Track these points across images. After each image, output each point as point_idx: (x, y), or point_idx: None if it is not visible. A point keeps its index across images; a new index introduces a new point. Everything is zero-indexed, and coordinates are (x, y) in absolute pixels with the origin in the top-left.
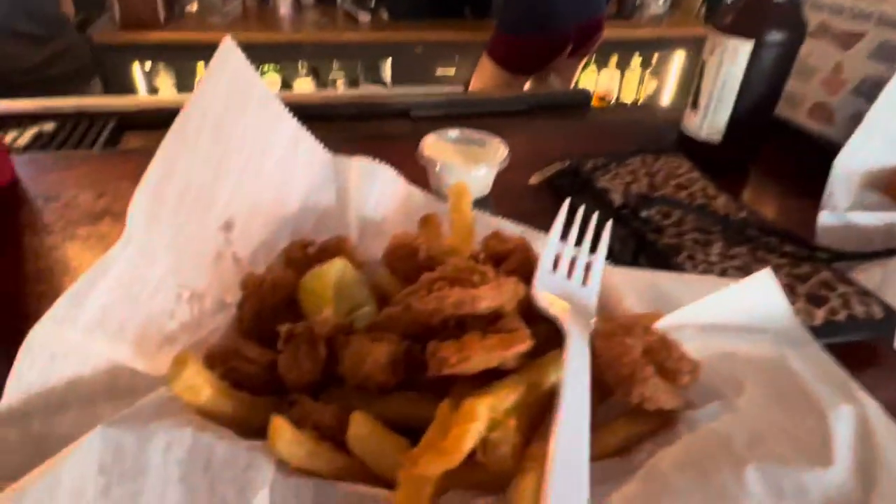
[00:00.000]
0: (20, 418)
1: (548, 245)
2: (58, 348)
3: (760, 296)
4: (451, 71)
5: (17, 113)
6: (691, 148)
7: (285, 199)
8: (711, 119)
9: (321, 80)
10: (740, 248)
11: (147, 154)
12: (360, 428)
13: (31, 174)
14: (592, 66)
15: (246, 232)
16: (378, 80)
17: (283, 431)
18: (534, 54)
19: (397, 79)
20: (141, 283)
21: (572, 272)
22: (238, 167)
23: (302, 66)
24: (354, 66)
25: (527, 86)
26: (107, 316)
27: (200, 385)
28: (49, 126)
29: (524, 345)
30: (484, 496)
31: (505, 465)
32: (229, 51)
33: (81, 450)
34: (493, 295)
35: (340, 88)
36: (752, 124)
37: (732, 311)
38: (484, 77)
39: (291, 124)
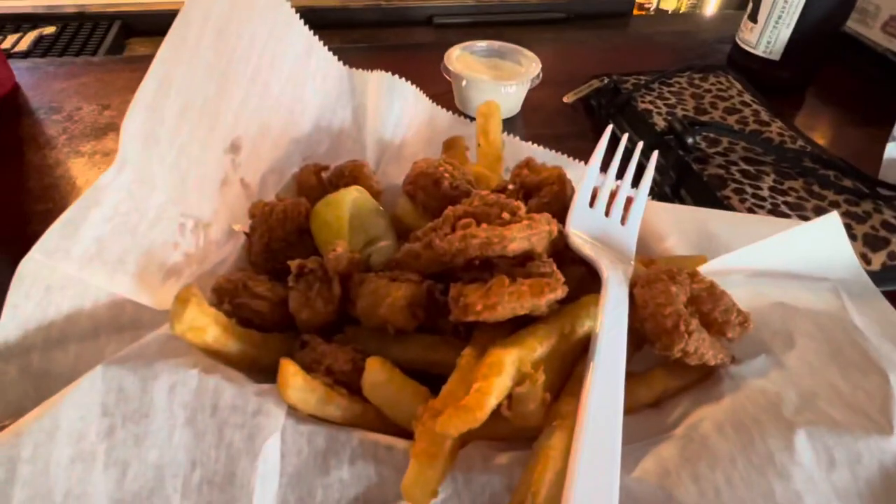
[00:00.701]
0: (19, 353)
1: (586, 177)
2: (53, 281)
3: (821, 240)
4: None
5: (14, 14)
6: (744, 65)
7: (297, 119)
8: (772, 32)
9: None
10: (794, 181)
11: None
12: (377, 374)
13: (32, 82)
14: None
15: (254, 154)
16: None
17: (293, 378)
18: None
19: None
20: (139, 212)
21: (610, 209)
22: (244, 81)
23: None
24: None
25: None
26: (104, 248)
27: (205, 325)
28: (50, 29)
29: (558, 292)
30: (507, 450)
31: (532, 421)
32: None
33: (82, 390)
34: (523, 235)
35: None
36: (818, 40)
37: (788, 257)
38: None
39: (304, 33)
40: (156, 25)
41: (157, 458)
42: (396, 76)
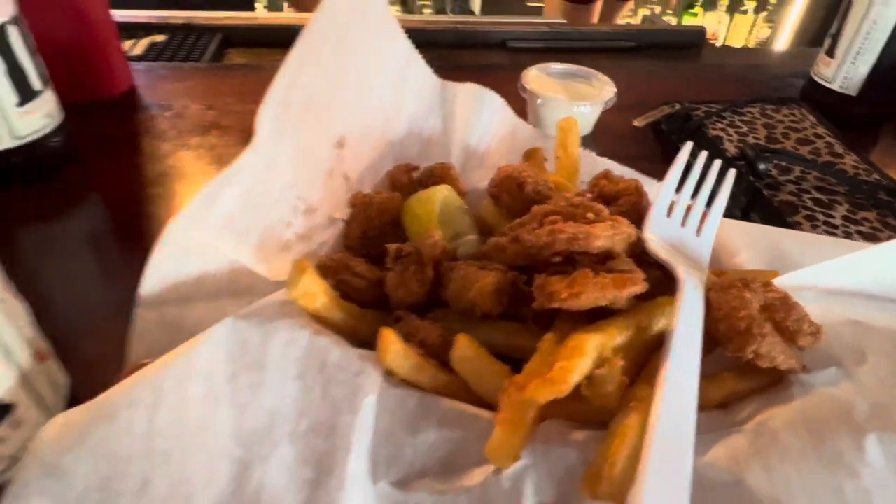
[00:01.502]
0: (157, 304)
1: (664, 188)
2: (191, 244)
3: (893, 264)
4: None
5: (131, 23)
6: (819, 99)
7: (393, 123)
8: (850, 68)
9: (408, 7)
10: (868, 212)
11: (249, 71)
12: (465, 350)
13: (147, 82)
14: (698, 7)
15: (356, 151)
16: (466, 9)
17: (392, 345)
18: None
19: (487, 8)
20: (264, 191)
21: (686, 221)
22: (354, 85)
23: None
24: None
25: (595, 17)
26: (234, 219)
27: (316, 292)
28: (160, 38)
29: (639, 287)
30: (581, 429)
31: (609, 402)
32: None
33: (213, 338)
34: (608, 234)
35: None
36: None
37: (860, 277)
38: (550, 9)
39: (405, 45)
40: (251, 38)
41: (270, 406)
42: (486, 88)
